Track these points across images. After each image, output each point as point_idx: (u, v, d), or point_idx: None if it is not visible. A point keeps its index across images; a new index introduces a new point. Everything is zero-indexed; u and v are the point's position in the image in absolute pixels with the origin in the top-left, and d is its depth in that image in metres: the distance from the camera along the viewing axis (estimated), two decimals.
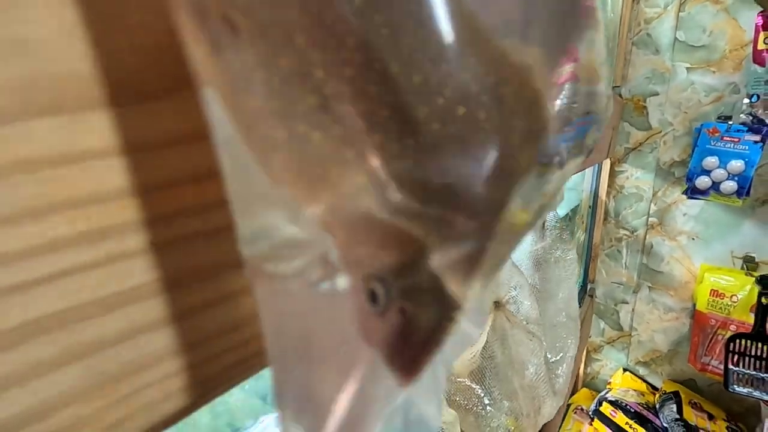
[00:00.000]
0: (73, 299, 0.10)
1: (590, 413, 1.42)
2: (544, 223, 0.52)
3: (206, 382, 0.13)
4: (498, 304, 0.46)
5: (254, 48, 0.08)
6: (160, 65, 0.11)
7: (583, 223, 1.49)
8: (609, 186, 1.52)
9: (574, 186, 1.47)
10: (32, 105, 0.09)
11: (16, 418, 0.10)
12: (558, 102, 0.12)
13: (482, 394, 0.47)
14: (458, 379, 0.47)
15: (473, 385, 0.47)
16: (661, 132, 1.44)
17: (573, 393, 1.62)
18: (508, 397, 0.46)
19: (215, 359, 0.13)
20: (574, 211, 1.36)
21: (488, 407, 0.47)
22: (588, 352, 1.64)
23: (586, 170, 1.49)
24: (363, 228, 0.09)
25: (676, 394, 1.38)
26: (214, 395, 0.13)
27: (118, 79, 0.10)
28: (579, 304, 1.45)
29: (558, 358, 0.46)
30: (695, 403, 1.36)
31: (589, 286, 1.57)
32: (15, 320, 0.10)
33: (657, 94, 1.44)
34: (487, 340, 0.46)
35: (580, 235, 1.50)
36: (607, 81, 0.17)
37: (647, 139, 1.47)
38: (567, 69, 0.12)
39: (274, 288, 0.10)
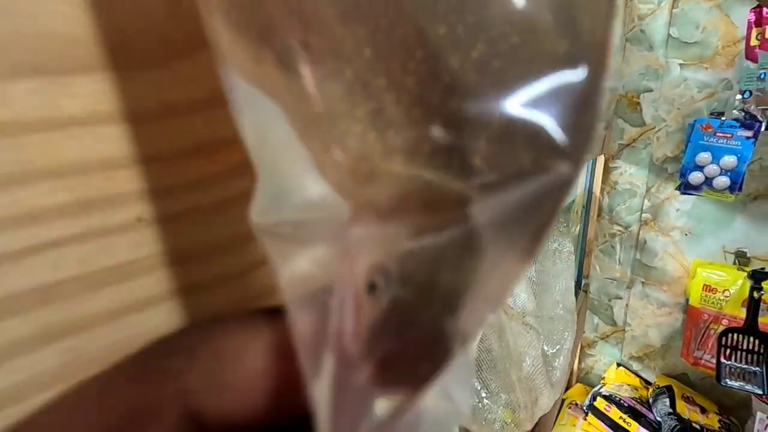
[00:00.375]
0: (52, 275, 0.10)
1: (584, 408, 1.43)
2: None
3: None
4: None
5: (323, 62, 0.09)
6: (160, 31, 0.10)
7: (577, 219, 1.50)
8: (603, 182, 1.52)
9: None
10: (12, 64, 0.09)
11: None
12: None
13: (479, 387, 0.47)
14: None
15: None
16: (654, 128, 1.45)
17: (567, 388, 1.62)
18: (506, 389, 0.46)
19: None
20: (569, 207, 1.36)
21: (485, 400, 0.47)
22: (582, 347, 1.65)
23: None
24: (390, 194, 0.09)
25: (669, 388, 1.39)
26: None
27: (111, 42, 0.10)
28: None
29: (555, 350, 0.46)
30: (688, 397, 1.37)
31: (583, 282, 1.58)
32: None
33: (651, 90, 1.44)
34: (483, 333, 0.46)
35: (575, 231, 1.50)
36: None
37: (641, 135, 1.47)
38: None
39: (292, 254, 0.10)
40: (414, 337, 0.09)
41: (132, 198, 0.11)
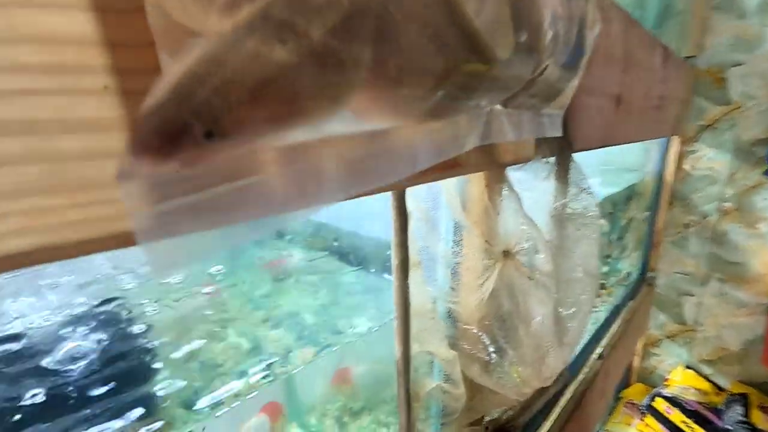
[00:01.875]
0: (34, 114, 0.14)
1: (642, 408, 1.34)
2: (567, 181, 0.51)
3: None
4: (507, 254, 0.46)
5: None
6: None
7: (642, 206, 1.39)
8: (677, 167, 1.39)
9: (639, 167, 1.37)
10: None
11: None
12: None
13: (488, 342, 0.47)
14: (465, 326, 0.48)
15: (479, 333, 0.47)
16: (741, 107, 1.29)
17: (626, 386, 1.53)
18: (513, 346, 0.46)
19: None
20: (629, 191, 1.26)
21: (493, 354, 0.47)
22: (645, 345, 1.53)
23: (651, 149, 1.38)
24: None
25: (744, 396, 1.26)
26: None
27: None
28: (635, 293, 1.35)
29: (571, 312, 0.44)
30: (767, 408, 1.23)
31: (648, 275, 1.46)
32: None
33: (740, 63, 1.28)
34: (494, 289, 0.46)
35: (642, 218, 1.39)
36: None
37: (725, 114, 1.32)
38: None
39: None
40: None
41: (100, 70, 0.15)
